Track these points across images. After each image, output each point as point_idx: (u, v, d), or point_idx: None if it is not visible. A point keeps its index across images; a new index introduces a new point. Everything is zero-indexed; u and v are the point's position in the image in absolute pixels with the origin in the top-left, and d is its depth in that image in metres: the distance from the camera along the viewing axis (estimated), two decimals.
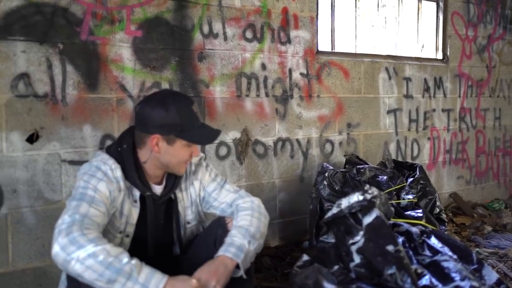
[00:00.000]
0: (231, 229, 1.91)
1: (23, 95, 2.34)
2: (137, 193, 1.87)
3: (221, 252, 1.78)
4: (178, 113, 1.78)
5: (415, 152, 4.10)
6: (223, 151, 3.02)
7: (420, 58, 4.17)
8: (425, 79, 4.12)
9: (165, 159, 1.83)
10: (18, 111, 2.33)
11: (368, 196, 1.83)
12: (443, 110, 4.30)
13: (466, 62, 4.45)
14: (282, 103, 3.26)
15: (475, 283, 1.60)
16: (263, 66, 3.16)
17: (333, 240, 1.93)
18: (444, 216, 3.02)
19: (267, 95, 3.19)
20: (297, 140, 3.36)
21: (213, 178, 2.10)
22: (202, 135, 1.85)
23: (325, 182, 2.60)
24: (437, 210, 3.03)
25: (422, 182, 3.13)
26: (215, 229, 1.97)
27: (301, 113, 3.35)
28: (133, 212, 1.87)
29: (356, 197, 1.84)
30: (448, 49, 4.30)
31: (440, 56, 4.31)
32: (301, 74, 3.35)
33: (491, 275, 1.87)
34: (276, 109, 3.23)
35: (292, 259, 2.93)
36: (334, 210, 1.89)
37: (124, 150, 1.85)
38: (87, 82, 2.52)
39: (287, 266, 2.84)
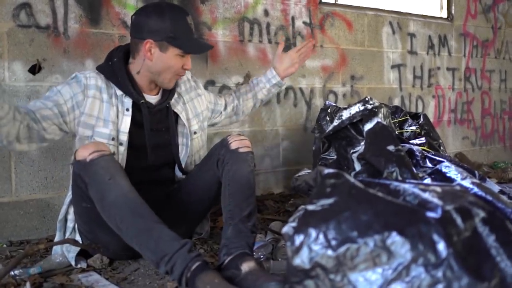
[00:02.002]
0: (234, 148, 1.91)
1: (25, 25, 2.35)
2: (128, 102, 1.90)
3: None
4: (172, 21, 1.84)
5: (420, 109, 4.08)
6: None
7: (424, 15, 4.14)
8: (429, 36, 4.10)
9: (157, 68, 1.88)
10: (20, 41, 2.34)
11: (369, 106, 1.83)
12: (447, 69, 4.28)
13: (471, 21, 4.42)
14: (285, 50, 3.21)
15: (475, 180, 1.59)
16: (266, 12, 3.15)
17: (334, 157, 1.93)
18: None
19: (269, 41, 3.18)
20: (300, 89, 3.35)
21: (208, 92, 2.35)
22: (194, 45, 1.93)
23: (327, 118, 2.58)
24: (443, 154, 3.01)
25: (426, 128, 3.10)
26: (218, 150, 1.98)
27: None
28: (125, 120, 1.90)
29: (357, 107, 1.84)
30: (453, 7, 4.27)
31: (444, 14, 4.28)
32: (304, 23, 3.34)
33: (493, 187, 1.86)
34: None
35: (296, 200, 2.93)
36: (335, 122, 1.89)
37: (115, 63, 1.91)
38: (89, 16, 2.52)
39: (290, 206, 2.84)
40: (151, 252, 1.64)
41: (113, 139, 1.88)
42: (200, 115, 2.15)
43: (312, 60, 3.37)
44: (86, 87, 1.86)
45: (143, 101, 1.91)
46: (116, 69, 1.89)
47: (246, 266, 1.66)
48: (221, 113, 2.35)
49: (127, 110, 1.90)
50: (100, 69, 1.94)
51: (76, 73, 1.91)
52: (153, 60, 1.87)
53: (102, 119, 1.87)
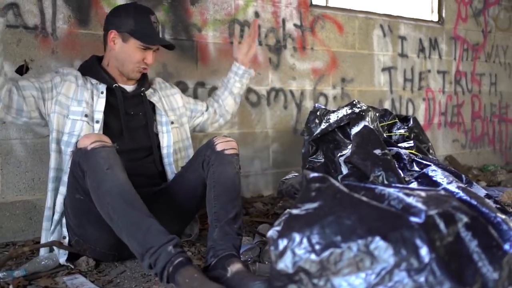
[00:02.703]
0: (220, 149, 1.92)
1: (12, 25, 2.33)
2: (103, 87, 2.06)
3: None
4: (136, 17, 2.04)
5: (410, 112, 4.09)
6: None
7: (415, 18, 4.15)
8: (420, 39, 4.11)
9: (120, 57, 2.07)
10: (7, 41, 2.31)
11: (357, 110, 1.83)
12: (438, 72, 4.29)
13: (462, 25, 4.44)
14: (275, 52, 3.25)
15: (461, 184, 1.59)
16: (256, 14, 3.15)
17: (322, 160, 1.92)
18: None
19: (260, 43, 3.17)
20: (291, 91, 3.35)
21: (185, 95, 2.49)
22: (151, 38, 2.07)
23: (316, 121, 2.58)
24: (431, 157, 3.02)
25: (415, 131, 3.10)
26: (204, 151, 1.98)
27: (294, 64, 3.34)
28: (100, 102, 2.04)
29: (344, 111, 1.84)
30: (444, 11, 4.29)
31: (435, 18, 4.30)
32: (295, 25, 3.34)
33: (479, 191, 1.86)
34: (269, 58, 3.22)
35: (285, 203, 2.92)
36: (323, 125, 1.88)
37: (88, 61, 2.16)
38: (78, 17, 2.50)
39: (279, 208, 2.84)
40: (138, 244, 1.64)
41: (86, 115, 2.00)
42: (177, 110, 2.29)
43: (303, 62, 3.38)
44: (64, 74, 2.05)
45: (116, 85, 2.07)
46: (90, 65, 2.11)
47: (233, 268, 1.66)
48: (203, 113, 2.47)
49: (102, 93, 2.05)
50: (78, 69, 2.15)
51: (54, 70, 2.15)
52: (116, 50, 2.06)
53: (76, 100, 2.01)
